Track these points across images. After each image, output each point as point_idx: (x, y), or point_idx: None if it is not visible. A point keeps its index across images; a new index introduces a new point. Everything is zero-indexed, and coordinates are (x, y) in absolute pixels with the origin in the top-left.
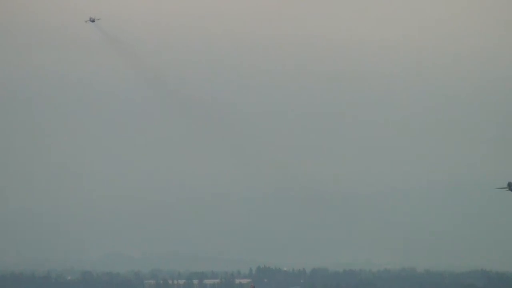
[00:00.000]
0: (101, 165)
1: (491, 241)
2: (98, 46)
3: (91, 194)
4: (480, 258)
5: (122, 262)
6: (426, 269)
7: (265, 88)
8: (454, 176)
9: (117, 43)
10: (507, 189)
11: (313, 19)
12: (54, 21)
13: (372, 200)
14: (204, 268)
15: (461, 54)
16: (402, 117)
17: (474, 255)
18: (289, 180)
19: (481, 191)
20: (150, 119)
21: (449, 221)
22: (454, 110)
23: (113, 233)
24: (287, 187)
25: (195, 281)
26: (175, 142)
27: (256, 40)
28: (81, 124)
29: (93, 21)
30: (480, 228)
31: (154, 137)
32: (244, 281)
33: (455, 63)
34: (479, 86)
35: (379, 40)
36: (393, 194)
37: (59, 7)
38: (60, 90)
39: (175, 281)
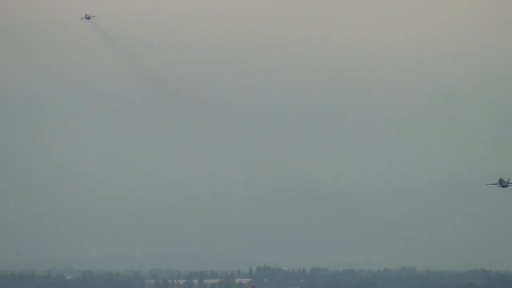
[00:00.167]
0: (101, 165)
1: (491, 241)
2: (98, 46)
3: (91, 194)
4: (480, 258)
5: (122, 262)
6: (426, 269)
7: (265, 88)
8: (454, 176)
9: (117, 43)
10: (498, 185)
11: (313, 19)
12: (54, 20)
13: (372, 200)
14: (204, 268)
15: (461, 54)
16: (402, 117)
17: (474, 255)
18: (289, 180)
19: (481, 191)
20: (150, 119)
21: (449, 221)
22: (454, 110)
23: (113, 233)
24: (287, 187)
25: (195, 281)
26: (175, 142)
27: (256, 40)
28: (81, 124)
29: (88, 18)
30: (480, 228)
31: (154, 137)
32: (244, 280)
33: (455, 63)
34: (479, 86)
35: (379, 40)
36: (393, 194)
37: (59, 7)
38: (60, 90)
39: (175, 281)
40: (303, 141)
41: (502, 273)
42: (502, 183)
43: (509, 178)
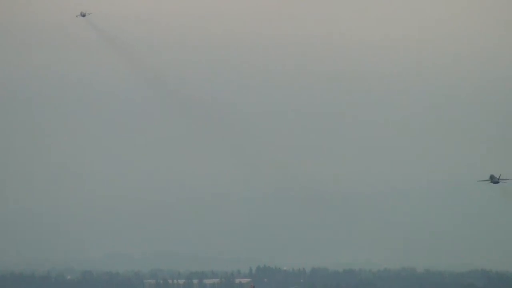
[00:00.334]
0: (101, 165)
1: (491, 241)
2: (98, 46)
3: (91, 194)
4: (480, 258)
5: (122, 262)
6: (426, 269)
7: (265, 88)
8: (454, 176)
9: (117, 42)
10: (489, 181)
11: (313, 19)
12: (54, 20)
13: (372, 200)
14: (204, 267)
15: (461, 54)
16: (402, 117)
17: (474, 255)
18: (289, 180)
19: (481, 191)
20: (150, 119)
21: (449, 221)
22: (454, 110)
23: (113, 233)
24: (287, 187)
25: (195, 281)
26: (175, 142)
27: (256, 40)
28: (81, 124)
29: (84, 15)
30: (481, 228)
31: (154, 137)
32: (244, 280)
33: (455, 63)
34: (479, 86)
35: (379, 40)
36: (393, 194)
37: (59, 7)
38: (60, 90)
39: (175, 281)
40: (303, 141)
41: (502, 273)
42: (493, 179)
43: (500, 175)
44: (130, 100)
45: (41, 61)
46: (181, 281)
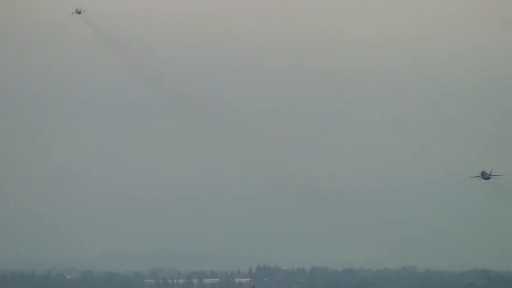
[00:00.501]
0: (97, 163)
1: (488, 239)
2: (94, 44)
3: (88, 193)
4: (479, 258)
5: (118, 260)
6: (426, 268)
7: (261, 86)
8: (450, 174)
9: (113, 41)
10: (480, 177)
11: (309, 17)
12: (54, 20)
13: (369, 198)
14: (203, 267)
15: (457, 52)
16: (398, 115)
17: (474, 254)
18: (285, 178)
19: (478, 189)
20: (146, 117)
21: (446, 219)
22: (451, 108)
23: (110, 231)
24: (283, 185)
25: (195, 281)
26: (171, 140)
27: (252, 38)
28: (81, 123)
29: (79, 12)
30: (477, 226)
31: (150, 135)
32: (243, 280)
33: (451, 61)
34: (476, 84)
35: (375, 38)
36: (389, 192)
37: (59, 7)
38: (60, 90)
39: (175, 281)
40: (299, 139)
41: (502, 273)
42: (485, 176)
43: (491, 171)
44: (126, 98)
45: (41, 61)
46: (181, 281)
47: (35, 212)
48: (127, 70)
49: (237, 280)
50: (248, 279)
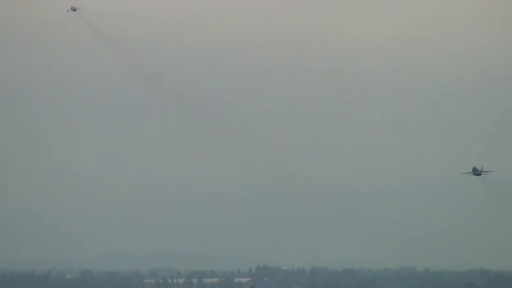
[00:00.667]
0: (97, 163)
1: (490, 240)
2: (94, 44)
3: (88, 193)
4: (479, 258)
5: (118, 260)
6: (426, 268)
7: (261, 86)
8: (450, 174)
9: (113, 41)
10: (472, 173)
11: (309, 17)
12: (54, 20)
13: (368, 198)
14: (202, 266)
15: (457, 52)
16: (398, 115)
17: (474, 254)
18: (285, 178)
19: (478, 189)
20: (146, 117)
21: (446, 219)
22: (451, 108)
23: (109, 231)
24: (283, 185)
25: (195, 280)
26: (171, 140)
27: (252, 38)
28: (81, 123)
29: (74, 10)
30: (479, 226)
31: (150, 135)
32: (243, 280)
33: (452, 61)
34: (476, 84)
35: (375, 38)
36: (389, 192)
37: (58, 6)
38: (60, 90)
39: (175, 280)
40: (299, 139)
41: (502, 273)
42: (476, 172)
43: (482, 167)
44: (126, 98)
45: (41, 61)
46: (180, 281)
47: (35, 212)
48: (127, 70)
49: (237, 280)
50: (248, 278)
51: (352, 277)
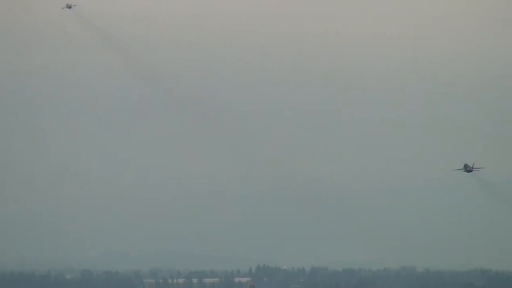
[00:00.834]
0: (96, 163)
1: (490, 240)
2: (94, 44)
3: (88, 193)
4: (479, 257)
5: (118, 260)
6: (426, 268)
7: (261, 86)
8: (450, 174)
9: (113, 41)
10: (463, 170)
11: (309, 17)
12: (54, 20)
13: (368, 198)
14: (202, 266)
15: (457, 52)
16: (398, 115)
17: (474, 254)
18: (285, 178)
19: (478, 189)
20: (146, 117)
21: (446, 219)
22: (451, 108)
23: (109, 231)
24: (283, 185)
25: (195, 280)
26: (171, 140)
27: (252, 38)
28: (81, 123)
29: (69, 7)
30: (479, 226)
31: (150, 135)
32: (243, 280)
33: (452, 61)
34: (476, 84)
35: (375, 38)
36: (389, 192)
37: (58, 6)
38: (60, 90)
39: (175, 280)
40: (299, 139)
41: (502, 273)
42: (467, 168)
43: (473, 164)
44: (126, 98)
45: (41, 61)
46: (180, 281)
47: (35, 212)
48: (127, 70)
49: (237, 280)
50: (248, 278)
51: (352, 277)
